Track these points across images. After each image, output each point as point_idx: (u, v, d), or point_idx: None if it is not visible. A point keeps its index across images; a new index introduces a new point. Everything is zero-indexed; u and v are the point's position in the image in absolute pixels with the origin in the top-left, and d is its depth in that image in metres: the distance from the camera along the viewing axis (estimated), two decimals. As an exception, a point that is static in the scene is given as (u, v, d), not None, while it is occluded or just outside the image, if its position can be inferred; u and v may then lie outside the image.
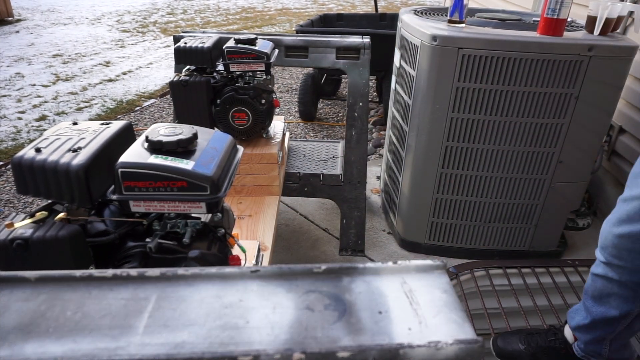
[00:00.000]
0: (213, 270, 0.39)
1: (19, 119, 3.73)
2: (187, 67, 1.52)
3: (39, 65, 5.18)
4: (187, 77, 1.44)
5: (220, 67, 1.53)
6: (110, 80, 4.82)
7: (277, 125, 1.74)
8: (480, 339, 0.33)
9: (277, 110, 1.72)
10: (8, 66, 5.12)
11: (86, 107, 4.05)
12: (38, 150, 0.68)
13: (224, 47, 1.48)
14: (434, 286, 0.38)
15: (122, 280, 0.38)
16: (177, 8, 9.60)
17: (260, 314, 0.35)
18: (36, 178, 0.67)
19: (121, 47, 6.22)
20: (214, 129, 0.82)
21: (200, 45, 1.45)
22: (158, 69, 5.24)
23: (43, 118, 3.75)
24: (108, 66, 5.29)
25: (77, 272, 0.38)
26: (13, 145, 3.27)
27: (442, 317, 0.35)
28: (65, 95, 4.32)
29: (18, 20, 7.57)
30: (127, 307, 0.36)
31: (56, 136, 0.72)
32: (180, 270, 0.39)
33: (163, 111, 4.05)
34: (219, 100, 1.50)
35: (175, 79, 1.44)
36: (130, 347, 0.32)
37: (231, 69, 1.49)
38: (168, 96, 4.32)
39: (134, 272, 0.38)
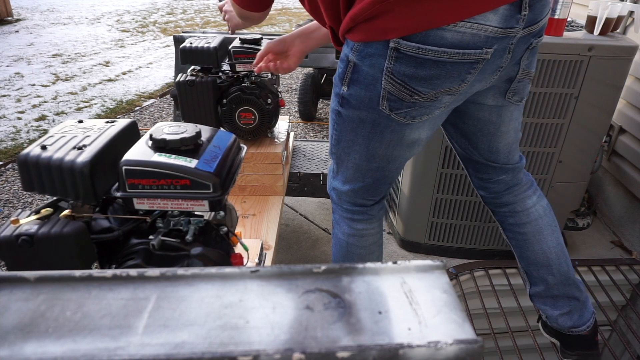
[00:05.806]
0: (213, 270, 0.39)
1: (19, 119, 3.73)
2: (192, 67, 1.52)
3: (39, 65, 5.18)
4: (194, 77, 1.44)
5: (226, 67, 1.53)
6: (110, 80, 4.82)
7: (281, 125, 1.74)
8: (480, 339, 0.33)
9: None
10: (7, 66, 5.12)
11: (86, 107, 4.05)
12: (44, 147, 0.69)
13: (230, 47, 1.47)
14: (433, 286, 0.38)
15: (122, 280, 0.38)
16: (177, 8, 9.60)
17: (260, 314, 0.35)
18: (42, 175, 0.67)
19: (121, 47, 6.22)
20: (220, 128, 0.82)
21: (206, 45, 1.45)
22: (158, 69, 5.24)
23: (42, 118, 3.75)
24: (108, 66, 5.29)
25: (77, 272, 0.38)
26: (12, 145, 3.27)
27: (442, 317, 0.35)
28: (65, 95, 4.32)
29: (17, 20, 7.57)
30: (126, 307, 0.36)
31: (62, 134, 0.73)
32: (180, 270, 0.39)
33: (163, 111, 4.05)
34: (225, 100, 1.50)
35: (182, 79, 1.44)
36: (130, 347, 0.32)
37: (237, 69, 1.49)
38: (168, 96, 4.32)
39: (133, 272, 0.38)
